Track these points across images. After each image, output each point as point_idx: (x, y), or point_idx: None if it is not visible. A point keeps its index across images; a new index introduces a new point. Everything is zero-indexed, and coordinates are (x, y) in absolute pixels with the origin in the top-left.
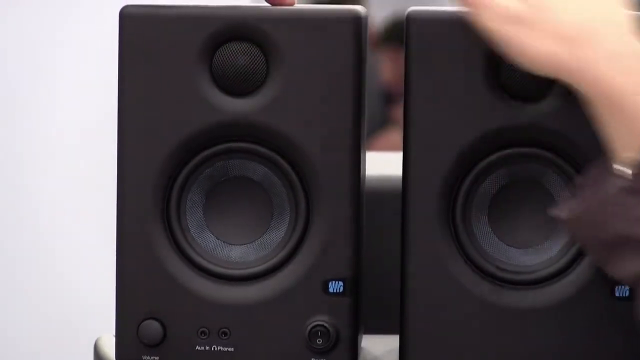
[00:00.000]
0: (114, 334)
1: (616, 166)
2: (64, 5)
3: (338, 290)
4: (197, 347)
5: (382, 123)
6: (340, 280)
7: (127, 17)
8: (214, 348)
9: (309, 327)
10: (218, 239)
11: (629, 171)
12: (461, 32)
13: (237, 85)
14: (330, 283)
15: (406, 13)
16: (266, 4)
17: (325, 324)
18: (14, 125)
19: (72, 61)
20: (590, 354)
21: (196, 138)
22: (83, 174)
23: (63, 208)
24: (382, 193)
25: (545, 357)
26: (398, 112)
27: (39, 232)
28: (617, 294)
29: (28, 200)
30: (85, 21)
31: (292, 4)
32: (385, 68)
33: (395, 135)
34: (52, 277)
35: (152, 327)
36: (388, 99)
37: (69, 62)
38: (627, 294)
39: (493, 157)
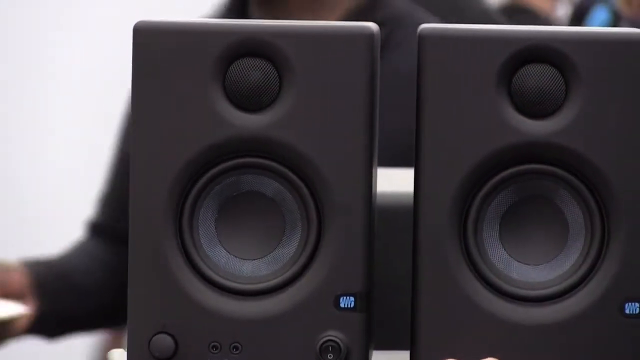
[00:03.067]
0: (125, 348)
1: None
2: (61, 6)
3: (349, 306)
4: None
5: None
6: (351, 295)
7: (141, 32)
8: None
9: (320, 342)
10: (230, 254)
11: None
12: (473, 48)
13: (249, 100)
14: (341, 298)
15: (419, 30)
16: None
17: (337, 339)
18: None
19: (69, 61)
20: None
21: (208, 153)
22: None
23: (62, 210)
24: (394, 209)
25: None
26: None
27: (38, 234)
28: (627, 312)
29: (24, 200)
30: (82, 22)
31: None
32: None
33: None
34: None
35: (164, 342)
36: None
37: (65, 62)
38: (637, 311)
39: (504, 173)
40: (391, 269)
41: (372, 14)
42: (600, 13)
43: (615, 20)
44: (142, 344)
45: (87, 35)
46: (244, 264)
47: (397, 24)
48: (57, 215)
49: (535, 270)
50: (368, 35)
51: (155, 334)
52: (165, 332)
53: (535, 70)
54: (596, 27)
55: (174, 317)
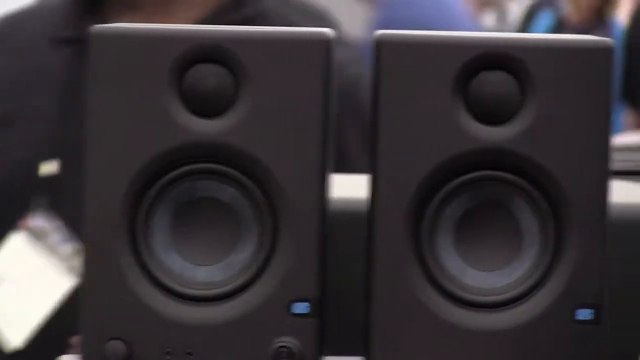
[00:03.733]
0: (78, 354)
1: None
2: None
3: (303, 312)
4: None
5: None
6: (305, 301)
7: (96, 38)
8: None
9: (274, 348)
10: (184, 260)
11: None
12: (429, 55)
13: (205, 106)
14: (295, 304)
15: (375, 36)
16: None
17: (290, 345)
18: None
19: None
20: None
21: (164, 158)
22: None
23: None
24: (348, 215)
25: None
26: None
27: None
28: (579, 318)
29: None
30: None
31: None
32: None
33: None
34: None
35: (118, 347)
36: None
37: None
38: (589, 317)
39: (459, 180)
40: (345, 275)
41: (237, 12)
42: (545, 18)
43: (559, 27)
44: (95, 350)
45: None
46: (198, 270)
47: (263, 21)
48: None
49: (489, 276)
50: (323, 42)
51: (108, 340)
52: (119, 338)
53: (491, 77)
54: (541, 31)
55: (128, 323)
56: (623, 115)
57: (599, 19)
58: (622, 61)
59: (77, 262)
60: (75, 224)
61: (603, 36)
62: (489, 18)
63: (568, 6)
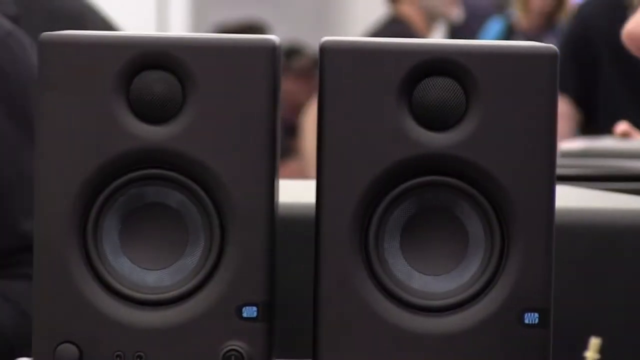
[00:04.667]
0: (30, 357)
1: None
2: None
3: (252, 315)
4: None
5: (283, 152)
6: (254, 305)
7: (46, 44)
8: None
9: (223, 352)
10: (134, 264)
11: None
12: (374, 61)
13: (153, 112)
14: (244, 308)
15: (320, 43)
16: (183, 33)
17: (239, 349)
18: None
19: None
20: None
21: (112, 164)
22: None
23: None
24: (295, 220)
25: None
26: (298, 142)
27: None
28: (526, 321)
29: None
30: None
31: None
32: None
33: (296, 164)
34: None
35: (69, 351)
36: (289, 129)
37: None
38: (536, 321)
39: (405, 185)
40: (293, 279)
41: None
42: (495, 24)
43: (509, 33)
44: (47, 353)
45: None
46: (147, 274)
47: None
48: None
49: (435, 280)
50: (269, 48)
51: (60, 344)
52: (70, 342)
53: (436, 83)
54: (491, 37)
55: (79, 327)
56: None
57: (549, 24)
58: None
59: None
60: None
61: (553, 42)
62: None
63: (518, 12)
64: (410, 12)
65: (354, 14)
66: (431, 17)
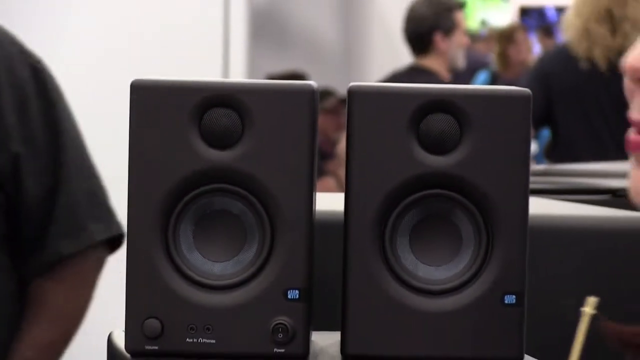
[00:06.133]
0: (123, 329)
1: None
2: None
3: (295, 297)
4: (187, 339)
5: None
6: (296, 289)
7: (136, 87)
8: (200, 340)
9: (272, 325)
10: (204, 257)
11: None
12: (390, 101)
13: (219, 140)
14: (288, 292)
15: (348, 88)
16: (242, 79)
17: (285, 323)
18: None
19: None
20: (485, 345)
21: (188, 180)
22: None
23: None
24: (328, 224)
25: (451, 350)
26: (330, 164)
27: None
28: (506, 302)
29: None
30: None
31: None
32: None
33: (329, 181)
34: None
35: (153, 324)
36: (323, 155)
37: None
38: (513, 301)
39: (413, 196)
40: (327, 270)
41: None
42: (481, 75)
43: (494, 80)
44: (136, 326)
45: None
46: (214, 265)
47: None
48: None
49: (436, 270)
50: (309, 91)
51: (146, 319)
52: (154, 317)
53: (437, 118)
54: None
55: (161, 306)
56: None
57: (523, 71)
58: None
59: None
60: None
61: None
62: None
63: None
64: (435, 64)
65: (372, 64)
66: (450, 68)
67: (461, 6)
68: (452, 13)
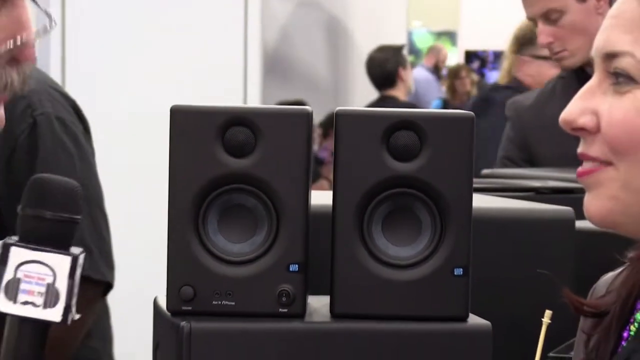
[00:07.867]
0: (165, 294)
1: None
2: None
3: (295, 270)
4: (213, 302)
5: (315, 176)
6: (296, 264)
7: (175, 111)
8: (223, 302)
9: (278, 291)
10: (226, 240)
11: None
12: (366, 122)
13: (237, 151)
14: (290, 265)
15: (335, 111)
16: (256, 105)
17: (288, 289)
18: None
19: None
20: (440, 306)
21: (213, 182)
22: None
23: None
24: (320, 215)
25: (414, 310)
26: (325, 170)
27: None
28: (455, 274)
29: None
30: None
31: None
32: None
33: (324, 183)
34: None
35: (187, 290)
36: (319, 161)
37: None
38: (461, 273)
39: (384, 194)
40: (319, 249)
41: None
42: (436, 102)
43: (445, 106)
44: (175, 292)
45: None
46: (234, 245)
47: None
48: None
49: (402, 249)
50: (306, 114)
51: (182, 286)
52: (188, 285)
53: (403, 134)
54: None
55: (193, 276)
56: None
57: (468, 99)
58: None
59: None
60: None
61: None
62: None
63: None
64: (398, 93)
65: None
66: (407, 92)
67: (403, 47)
68: (402, 51)
